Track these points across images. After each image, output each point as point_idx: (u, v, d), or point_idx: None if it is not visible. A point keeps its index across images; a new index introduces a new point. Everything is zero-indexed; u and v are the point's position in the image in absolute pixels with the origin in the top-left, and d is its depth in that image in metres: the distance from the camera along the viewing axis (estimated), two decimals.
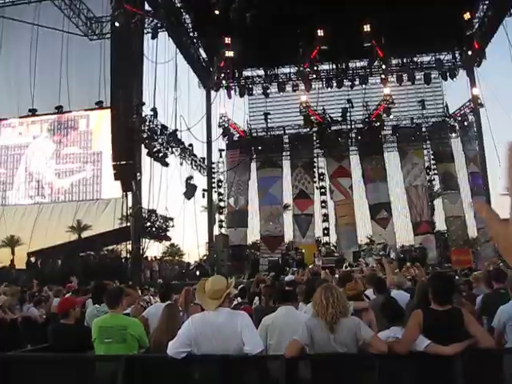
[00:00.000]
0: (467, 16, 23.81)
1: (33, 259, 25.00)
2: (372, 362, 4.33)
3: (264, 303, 7.82)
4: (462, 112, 29.56)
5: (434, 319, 4.30)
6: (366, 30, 23.91)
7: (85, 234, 30.65)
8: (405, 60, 29.30)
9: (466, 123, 29.25)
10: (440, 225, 29.63)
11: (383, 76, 28.41)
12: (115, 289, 5.88)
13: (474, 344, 4.15)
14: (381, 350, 4.21)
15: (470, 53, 26.86)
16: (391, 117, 29.16)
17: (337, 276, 10.14)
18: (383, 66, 27.85)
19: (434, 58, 29.46)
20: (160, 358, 4.70)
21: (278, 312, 5.51)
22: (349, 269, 19.40)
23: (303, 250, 26.52)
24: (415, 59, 29.51)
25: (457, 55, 29.44)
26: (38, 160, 28.85)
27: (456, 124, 29.72)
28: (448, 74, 29.01)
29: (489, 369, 4.13)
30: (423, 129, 29.99)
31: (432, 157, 30.25)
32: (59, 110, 28.02)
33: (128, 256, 23.32)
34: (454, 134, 29.79)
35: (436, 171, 29.96)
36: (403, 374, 4.26)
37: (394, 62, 28.98)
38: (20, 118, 28.92)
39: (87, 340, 5.28)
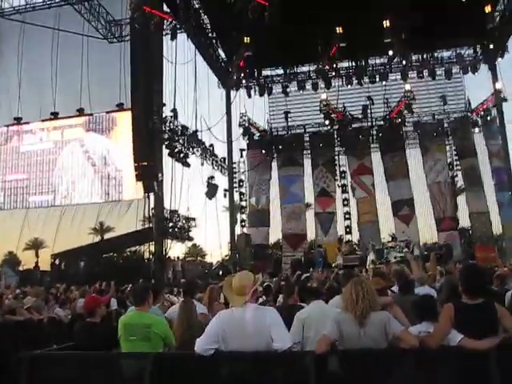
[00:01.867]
0: (488, 9, 23.44)
1: (57, 261, 25.26)
2: (403, 356, 4.26)
3: (283, 300, 7.79)
4: (484, 106, 29.17)
5: (466, 313, 4.20)
6: (385, 25, 23.68)
7: (107, 236, 30.92)
8: (425, 56, 28.95)
9: (488, 118, 28.84)
10: (464, 221, 29.30)
11: (404, 72, 28.18)
12: (141, 286, 5.86)
13: (509, 338, 4.05)
14: (411, 344, 4.13)
15: (491, 46, 26.53)
16: (412, 113, 28.88)
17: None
18: (403, 62, 27.64)
19: (454, 53, 29.08)
20: (187, 355, 4.66)
21: (311, 306, 5.58)
22: (372, 266, 19.26)
23: (325, 248, 26.33)
24: (436, 54, 29.14)
25: (478, 49, 28.96)
26: (63, 162, 29.15)
27: (478, 119, 29.32)
28: (469, 68, 28.69)
29: None
30: (445, 124, 29.68)
31: (455, 152, 29.92)
32: (81, 112, 28.23)
33: (151, 257, 23.40)
34: (476, 129, 29.37)
35: (459, 167, 29.60)
36: (436, 368, 4.16)
37: (414, 57, 28.65)
38: (42, 121, 29.17)
39: (113, 338, 5.28)
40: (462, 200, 29.51)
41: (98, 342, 5.21)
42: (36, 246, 33.93)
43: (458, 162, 29.72)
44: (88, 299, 6.50)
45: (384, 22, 23.54)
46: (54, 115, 28.70)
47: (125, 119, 25.99)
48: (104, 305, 7.17)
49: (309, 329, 5.16)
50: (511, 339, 4.07)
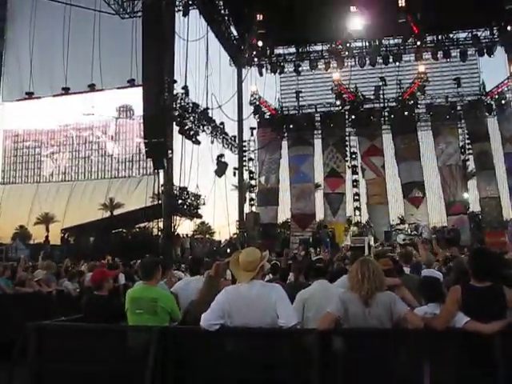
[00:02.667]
0: None
1: (66, 236, 25.43)
2: (407, 337, 4.26)
3: (294, 278, 7.79)
4: (499, 90, 28.81)
5: (474, 296, 4.18)
6: (400, 5, 23.36)
7: (117, 212, 31.04)
8: (440, 37, 28.62)
9: (503, 102, 28.46)
10: (474, 206, 29.14)
11: (418, 53, 27.89)
12: (150, 261, 5.87)
13: None
14: (416, 324, 4.13)
15: (509, 28, 26.10)
16: (425, 95, 28.62)
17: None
18: (418, 43, 27.34)
19: (470, 35, 28.73)
20: (193, 329, 4.68)
21: (315, 285, 5.53)
22: (380, 248, 19.26)
23: (333, 229, 26.34)
24: (451, 36, 28.81)
25: (495, 31, 28.60)
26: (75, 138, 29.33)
27: (492, 102, 28.98)
28: (485, 50, 28.40)
29: None
30: (458, 107, 29.34)
31: (467, 136, 29.65)
32: (92, 88, 28.22)
33: (159, 233, 23.48)
34: (490, 113, 29.05)
35: (471, 151, 29.36)
36: (441, 349, 4.16)
37: (428, 38, 28.33)
38: (53, 96, 29.21)
39: (120, 311, 5.31)
40: (472, 184, 29.33)
41: (104, 315, 5.25)
42: (46, 220, 34.10)
43: (469, 146, 29.47)
44: (95, 273, 6.53)
45: (399, 2, 23.20)
46: (65, 90, 28.73)
47: (136, 95, 25.97)
48: (112, 279, 7.20)
49: (309, 309, 5.15)
50: None
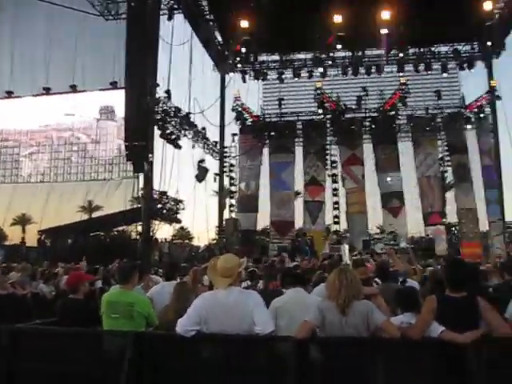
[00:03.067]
0: (488, 6, 23.35)
1: (43, 237, 25.17)
2: (383, 346, 4.28)
3: (263, 285, 7.77)
4: (478, 104, 29.11)
5: (449, 306, 4.23)
6: (384, 17, 23.57)
7: (95, 214, 30.85)
8: (422, 49, 28.94)
9: (481, 115, 28.78)
10: (451, 217, 29.40)
11: (400, 65, 28.16)
12: (128, 265, 5.84)
13: (490, 332, 4.07)
14: (393, 334, 4.15)
15: (489, 43, 26.48)
16: (406, 106, 28.89)
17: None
18: (400, 55, 27.59)
19: (451, 48, 29.07)
20: (169, 335, 4.66)
21: (289, 294, 5.46)
22: (359, 257, 19.34)
23: (312, 237, 26.41)
24: (432, 49, 29.13)
25: (475, 46, 29.03)
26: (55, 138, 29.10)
27: (471, 116, 29.23)
28: (466, 64, 28.76)
29: (504, 357, 4.04)
30: (438, 119, 29.60)
31: (446, 148, 29.95)
32: (73, 89, 28.04)
33: (138, 237, 23.36)
34: (469, 126, 29.30)
35: (449, 162, 29.66)
36: (415, 359, 4.19)
37: (411, 51, 28.65)
38: (34, 96, 28.94)
39: (95, 315, 5.27)
40: (450, 196, 29.61)
41: (80, 319, 5.19)
42: (23, 221, 33.77)
43: (448, 158, 29.76)
44: (71, 276, 6.46)
45: (382, 14, 23.41)
46: (47, 90, 28.49)
47: (117, 98, 25.86)
48: (88, 282, 7.12)
49: (282, 317, 5.04)
50: (492, 333, 4.10)
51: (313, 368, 4.29)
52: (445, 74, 29.15)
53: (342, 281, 4.31)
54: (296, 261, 16.45)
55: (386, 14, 23.37)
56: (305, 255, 20.81)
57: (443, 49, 29.36)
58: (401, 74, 28.55)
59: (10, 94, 29.19)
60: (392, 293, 5.72)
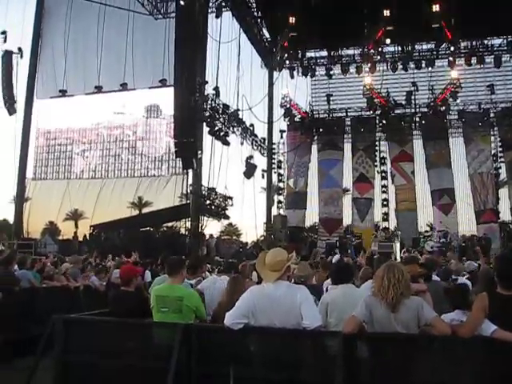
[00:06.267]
0: None
1: (95, 232, 25.72)
2: (434, 343, 4.20)
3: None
4: None
5: (501, 304, 4.11)
6: (434, 10, 23.10)
7: (145, 210, 31.31)
8: (474, 43, 28.23)
9: None
10: (505, 215, 28.62)
11: (451, 59, 27.56)
12: (176, 259, 5.91)
13: None
14: (444, 331, 4.07)
15: None
16: (458, 101, 28.26)
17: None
18: (451, 49, 26.97)
19: (505, 41, 28.24)
20: (217, 327, 4.70)
21: (338, 290, 5.43)
22: (407, 254, 19.06)
23: (361, 234, 26.20)
24: (485, 42, 28.37)
25: None
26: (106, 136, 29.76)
27: None
28: None
29: None
30: (491, 114, 28.91)
31: (499, 144, 29.18)
32: (124, 87, 28.54)
33: (186, 233, 23.60)
34: None
35: (503, 159, 28.89)
36: (466, 358, 4.10)
37: (462, 44, 27.98)
38: (86, 94, 29.60)
39: (146, 307, 5.36)
40: (504, 193, 28.82)
41: (130, 310, 5.30)
42: (76, 216, 34.55)
43: (502, 154, 29.00)
44: (124, 269, 6.59)
45: (433, 7, 22.96)
46: (98, 89, 29.09)
47: (167, 95, 26.21)
48: (140, 275, 7.24)
49: (331, 314, 5.06)
50: None
51: (360, 364, 4.26)
52: (498, 68, 28.29)
53: (390, 279, 4.23)
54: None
55: (436, 7, 22.90)
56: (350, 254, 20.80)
57: (496, 41, 28.53)
58: (452, 69, 27.82)
59: (63, 93, 29.90)
60: (441, 290, 5.64)
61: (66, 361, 4.90)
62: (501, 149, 28.98)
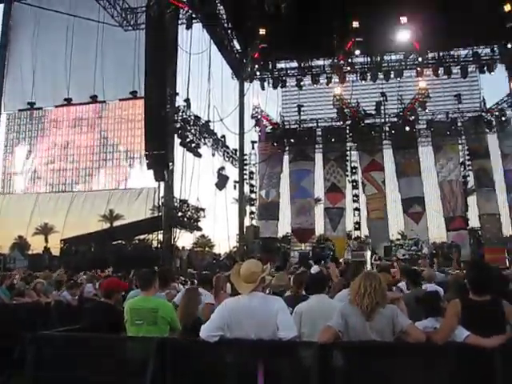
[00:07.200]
0: (508, 8, 23.12)
1: (66, 246, 25.37)
2: (409, 350, 4.23)
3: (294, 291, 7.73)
4: (499, 107, 28.93)
5: (473, 310, 4.16)
6: (402, 22, 23.50)
7: (117, 223, 31.04)
8: (441, 53, 28.72)
9: (503, 118, 28.58)
10: (474, 222, 29.10)
11: (419, 69, 28.02)
12: (147, 272, 5.85)
13: None
14: (419, 338, 4.10)
15: (509, 46, 26.22)
16: (426, 111, 28.72)
17: None
18: (419, 59, 27.43)
19: (471, 52, 28.85)
20: (192, 341, 4.67)
21: (312, 300, 5.40)
22: (379, 262, 19.25)
23: (334, 243, 26.35)
24: (452, 52, 28.87)
25: (495, 49, 28.72)
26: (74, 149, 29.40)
27: (493, 119, 29.08)
28: (486, 67, 28.51)
29: None
30: (459, 123, 29.46)
31: (467, 152, 29.70)
32: (94, 99, 28.33)
33: (159, 246, 23.45)
34: (490, 130, 29.15)
35: (471, 167, 29.40)
36: (440, 364, 4.14)
37: (430, 55, 28.41)
38: (55, 107, 29.31)
39: (123, 321, 5.31)
40: (472, 200, 29.30)
41: (108, 323, 5.24)
42: (45, 231, 34.10)
43: (469, 162, 29.50)
44: (108, 281, 6.53)
45: (401, 19, 23.34)
46: (68, 101, 28.82)
47: (137, 107, 26.14)
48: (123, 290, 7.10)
49: (305, 324, 5.01)
50: None
51: (336, 373, 4.26)
52: (465, 78, 28.85)
53: (367, 287, 4.25)
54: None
55: (404, 19, 23.29)
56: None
57: (463, 52, 29.12)
58: (420, 79, 28.28)
59: (32, 105, 29.56)
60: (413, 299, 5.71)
61: (37, 377, 4.80)
62: (468, 157, 29.48)
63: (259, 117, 30.34)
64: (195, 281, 11.19)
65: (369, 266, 17.82)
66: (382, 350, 4.24)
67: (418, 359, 4.18)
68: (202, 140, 25.35)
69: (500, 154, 28.59)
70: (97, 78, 27.74)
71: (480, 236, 28.58)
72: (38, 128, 30.13)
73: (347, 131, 30.39)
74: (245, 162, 31.34)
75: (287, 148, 31.36)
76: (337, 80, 29.10)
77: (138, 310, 5.20)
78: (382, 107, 29.08)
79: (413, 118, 28.91)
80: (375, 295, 4.21)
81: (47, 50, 28.86)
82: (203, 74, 25.45)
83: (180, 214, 23.48)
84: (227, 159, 28.97)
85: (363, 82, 29.30)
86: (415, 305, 5.76)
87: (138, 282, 5.83)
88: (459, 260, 20.31)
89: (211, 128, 25.85)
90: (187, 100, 23.71)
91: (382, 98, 28.87)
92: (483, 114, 29.29)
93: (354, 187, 30.44)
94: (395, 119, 29.60)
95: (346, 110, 29.03)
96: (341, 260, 22.30)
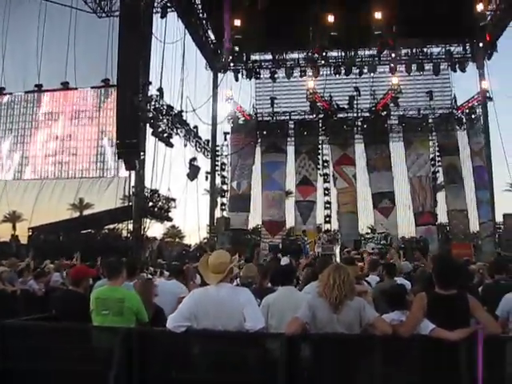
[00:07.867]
0: (480, 7, 23.43)
1: (34, 234, 25.01)
2: (375, 343, 4.27)
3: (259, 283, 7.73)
4: (469, 105, 29.27)
5: (438, 303, 4.22)
6: (377, 17, 23.61)
7: (86, 212, 30.70)
8: (414, 50, 28.95)
9: (473, 116, 28.99)
10: (442, 217, 29.49)
11: (392, 65, 28.22)
12: (114, 261, 5.79)
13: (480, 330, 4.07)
14: (385, 331, 4.15)
15: (480, 45, 26.61)
16: (398, 107, 28.96)
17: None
18: (392, 55, 27.65)
19: (443, 50, 29.19)
20: (159, 331, 4.64)
21: (280, 292, 5.40)
22: (347, 255, 19.37)
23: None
24: (425, 50, 29.16)
25: (467, 47, 29.10)
26: (45, 137, 28.90)
27: (463, 116, 29.44)
28: (457, 65, 28.87)
29: (493, 356, 4.05)
30: (430, 120, 29.78)
31: (437, 149, 30.06)
32: (65, 86, 27.89)
33: (128, 235, 23.27)
34: (460, 127, 29.53)
35: (440, 163, 29.78)
36: (405, 357, 4.19)
37: (403, 51, 28.65)
38: (25, 93, 28.79)
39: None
40: (441, 196, 29.68)
41: (77, 312, 5.18)
42: (13, 218, 33.59)
43: (439, 159, 29.86)
44: (76, 269, 6.46)
45: (375, 14, 23.45)
46: (38, 87, 28.31)
47: (109, 95, 25.83)
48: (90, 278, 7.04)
49: (272, 316, 5.01)
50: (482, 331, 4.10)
51: (302, 365, 4.28)
52: (437, 75, 29.17)
53: (336, 279, 4.28)
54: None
55: (378, 14, 23.39)
56: (305, 254, 21.01)
57: (435, 50, 29.44)
58: (392, 75, 28.51)
59: (1, 91, 28.97)
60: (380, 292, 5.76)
61: (4, 367, 4.73)
62: (438, 153, 29.84)
63: (232, 108, 30.30)
64: (165, 271, 11.16)
65: (338, 260, 17.92)
66: (348, 342, 4.27)
67: (384, 352, 4.22)
68: (175, 130, 25.13)
69: (469, 151, 28.98)
70: (69, 65, 27.26)
71: (448, 231, 28.99)
72: (6, 114, 29.49)
73: (320, 125, 30.41)
74: (217, 153, 31.23)
75: (259, 140, 31.29)
76: (310, 73, 29.17)
77: (105, 300, 5.15)
78: (355, 102, 29.21)
79: (385, 113, 29.13)
80: (344, 287, 4.24)
81: (17, 34, 28.21)
82: (177, 64, 25.23)
83: (151, 204, 23.32)
84: (199, 150, 28.84)
85: (337, 76, 29.41)
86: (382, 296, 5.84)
87: (105, 271, 5.76)
88: (426, 255, 20.55)
89: (184, 118, 25.66)
90: (160, 89, 23.45)
91: (355, 93, 28.99)
92: (454, 111, 29.63)
93: (325, 181, 30.53)
94: (367, 114, 29.76)
95: (318, 104, 29.10)
96: (311, 253, 22.59)
